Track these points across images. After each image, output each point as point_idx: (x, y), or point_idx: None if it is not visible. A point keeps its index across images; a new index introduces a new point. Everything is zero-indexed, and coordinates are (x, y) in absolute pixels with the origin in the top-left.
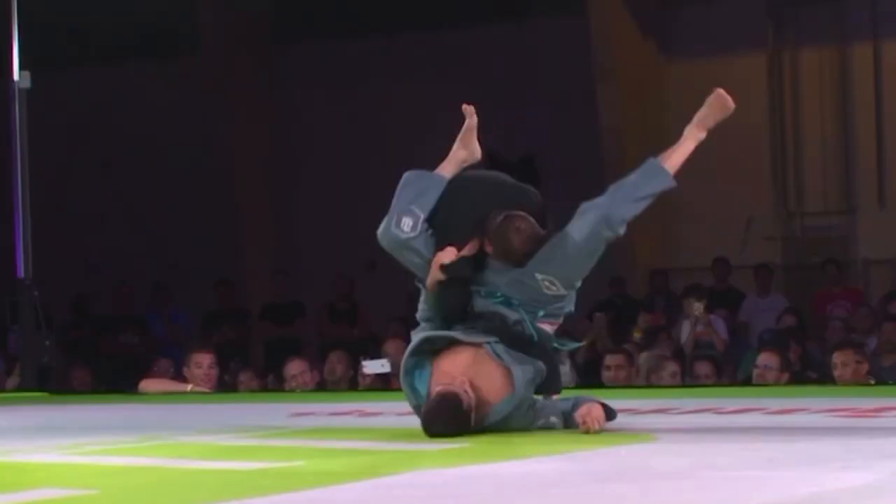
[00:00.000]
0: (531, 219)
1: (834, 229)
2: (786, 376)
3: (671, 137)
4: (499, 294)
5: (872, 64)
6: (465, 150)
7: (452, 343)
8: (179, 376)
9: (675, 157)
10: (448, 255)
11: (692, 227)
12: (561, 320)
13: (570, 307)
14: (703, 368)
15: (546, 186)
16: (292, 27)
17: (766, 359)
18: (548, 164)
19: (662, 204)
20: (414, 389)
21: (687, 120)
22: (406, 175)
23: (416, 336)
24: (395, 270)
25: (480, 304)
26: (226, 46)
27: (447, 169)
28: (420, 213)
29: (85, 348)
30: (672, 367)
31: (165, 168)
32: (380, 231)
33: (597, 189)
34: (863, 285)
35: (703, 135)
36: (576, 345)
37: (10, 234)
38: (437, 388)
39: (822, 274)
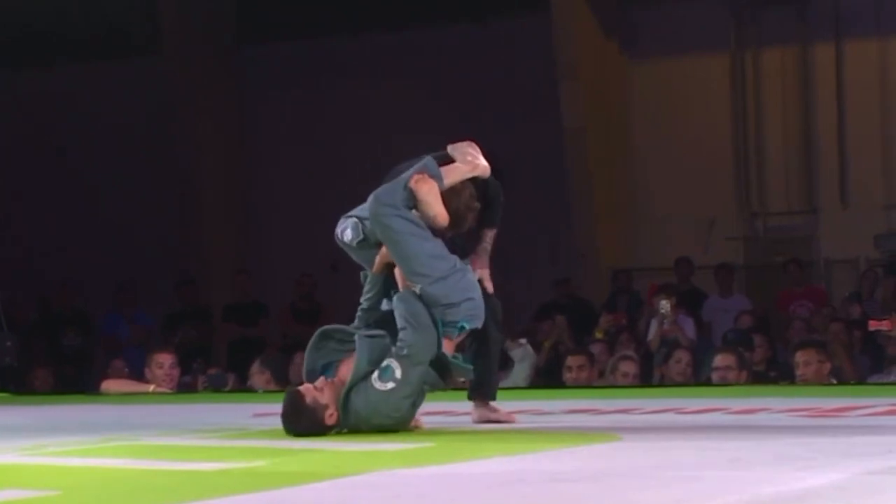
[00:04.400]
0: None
1: (796, 229)
2: (744, 374)
3: (633, 137)
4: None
5: (834, 64)
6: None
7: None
8: (141, 377)
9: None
10: None
11: (655, 227)
12: (457, 336)
13: (465, 322)
14: (683, 355)
15: (509, 186)
16: (255, 27)
17: (724, 360)
18: (510, 165)
19: (626, 204)
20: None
21: (650, 120)
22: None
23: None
24: (358, 272)
25: (386, 305)
26: (189, 47)
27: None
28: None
29: (46, 349)
30: (627, 367)
31: (127, 168)
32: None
33: (560, 189)
34: (825, 285)
35: (466, 168)
36: (467, 367)
37: None
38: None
39: (784, 274)
